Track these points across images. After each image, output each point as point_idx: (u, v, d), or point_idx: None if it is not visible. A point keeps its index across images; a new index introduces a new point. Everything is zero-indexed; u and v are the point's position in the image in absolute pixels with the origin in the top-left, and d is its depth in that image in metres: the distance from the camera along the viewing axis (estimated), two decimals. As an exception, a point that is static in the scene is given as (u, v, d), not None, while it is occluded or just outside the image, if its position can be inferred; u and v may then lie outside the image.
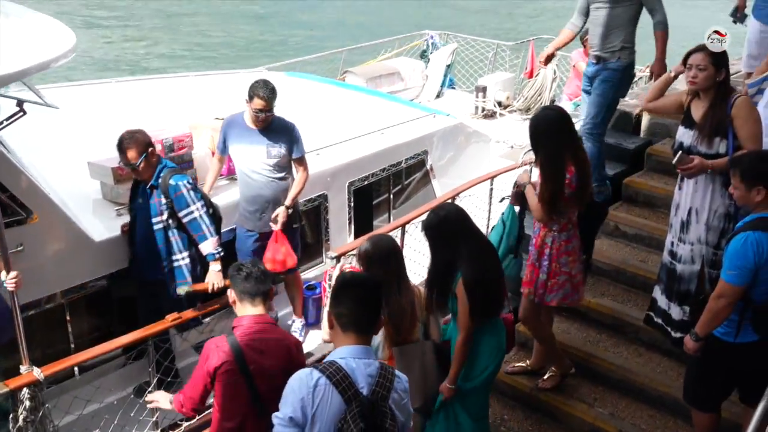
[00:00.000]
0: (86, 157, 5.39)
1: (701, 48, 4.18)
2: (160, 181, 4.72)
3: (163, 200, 4.71)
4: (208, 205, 4.87)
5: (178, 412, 3.56)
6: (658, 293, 4.64)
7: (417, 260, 6.25)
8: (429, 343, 3.99)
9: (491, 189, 7.10)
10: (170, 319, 4.45)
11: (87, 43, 19.50)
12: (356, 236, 6.65)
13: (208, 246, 4.75)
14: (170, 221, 4.75)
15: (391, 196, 7.12)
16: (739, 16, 6.88)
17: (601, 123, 5.83)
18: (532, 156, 7.53)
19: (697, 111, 4.26)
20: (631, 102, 7.19)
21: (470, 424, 4.02)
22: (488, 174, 7.08)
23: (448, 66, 11.73)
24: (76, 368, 4.62)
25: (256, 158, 5.34)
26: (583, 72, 6.04)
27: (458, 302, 3.82)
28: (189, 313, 4.64)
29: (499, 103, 10.82)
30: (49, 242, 4.61)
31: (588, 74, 5.89)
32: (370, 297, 2.80)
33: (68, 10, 22.87)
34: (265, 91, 5.12)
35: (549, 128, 4.19)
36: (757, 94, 4.89)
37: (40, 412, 3.85)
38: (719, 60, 4.12)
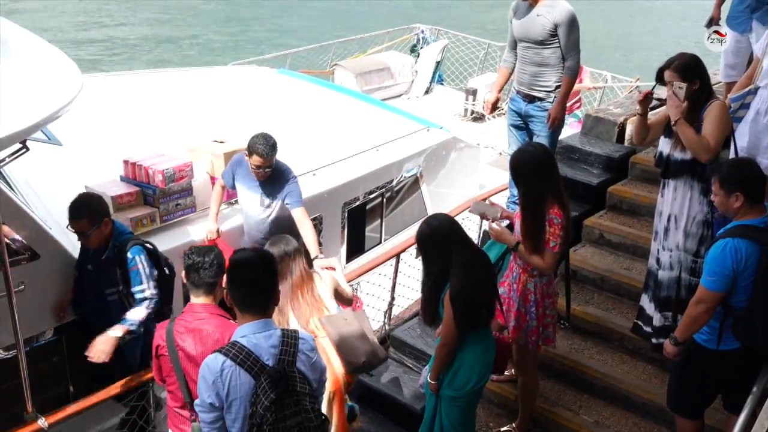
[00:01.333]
0: (83, 177, 5.33)
1: (669, 64, 4.21)
2: (115, 252, 4.46)
3: (118, 272, 4.46)
4: (162, 266, 4.62)
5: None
6: (645, 301, 4.69)
7: (411, 285, 6.34)
8: (349, 312, 4.33)
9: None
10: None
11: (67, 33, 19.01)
12: (348, 255, 6.71)
13: (134, 316, 4.34)
14: (125, 290, 4.49)
15: (384, 215, 7.15)
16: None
17: None
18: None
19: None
20: (615, 111, 7.23)
21: (451, 429, 4.11)
22: (481, 196, 7.14)
23: (438, 62, 11.70)
24: None
25: (251, 203, 5.38)
26: (509, 106, 5.97)
27: (444, 311, 3.88)
28: None
29: (489, 106, 10.83)
30: (51, 280, 4.58)
31: (518, 110, 5.81)
32: (261, 278, 2.90)
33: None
34: (264, 149, 5.04)
35: (529, 165, 4.09)
36: (741, 109, 4.91)
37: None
38: (688, 73, 4.13)
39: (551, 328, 4.43)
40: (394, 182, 7.14)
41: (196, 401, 2.89)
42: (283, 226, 5.35)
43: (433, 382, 4.05)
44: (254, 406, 2.76)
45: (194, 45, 20.64)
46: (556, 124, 5.58)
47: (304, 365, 2.89)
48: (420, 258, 4.07)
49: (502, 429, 4.82)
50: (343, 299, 4.53)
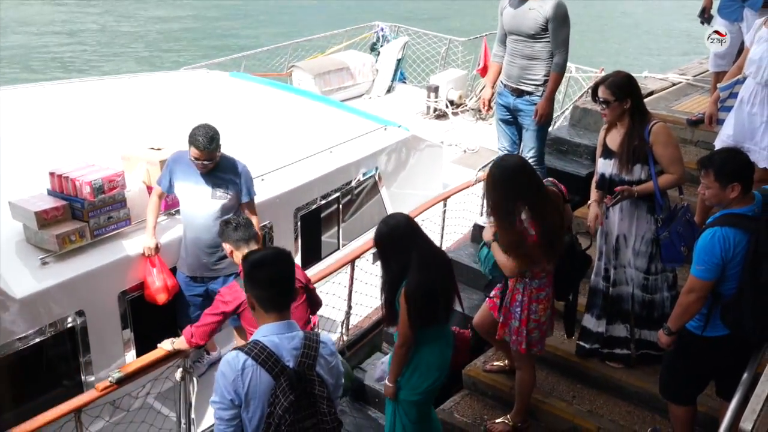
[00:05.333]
0: (7, 193, 4.94)
1: (602, 82, 4.25)
2: None
3: None
4: None
5: (187, 344, 4.23)
6: (590, 321, 4.76)
7: (366, 292, 6.02)
8: None
9: (444, 211, 6.88)
10: (100, 388, 4.11)
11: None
12: (303, 264, 6.36)
13: None
14: None
15: (341, 219, 6.81)
16: (706, 16, 6.93)
17: (543, 153, 5.88)
18: (484, 174, 7.41)
19: (614, 140, 4.33)
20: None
21: (410, 426, 4.19)
22: (440, 196, 6.85)
23: (399, 60, 11.44)
24: None
25: (199, 199, 5.01)
26: (497, 101, 5.87)
27: (400, 309, 3.90)
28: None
29: (452, 102, 10.57)
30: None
31: (506, 105, 5.72)
32: (283, 274, 2.91)
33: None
34: (203, 141, 4.78)
35: (501, 177, 3.99)
36: (729, 98, 4.91)
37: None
38: (620, 92, 4.17)
39: (536, 333, 4.31)
40: (351, 184, 6.82)
41: (214, 398, 2.85)
42: None
43: (390, 385, 4.11)
44: (272, 406, 2.78)
45: (154, 51, 20.11)
46: (544, 120, 5.55)
47: (323, 369, 2.90)
48: (378, 262, 4.09)
49: (497, 421, 4.78)
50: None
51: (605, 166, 4.40)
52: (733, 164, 3.58)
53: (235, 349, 2.87)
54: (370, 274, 5.92)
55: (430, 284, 3.85)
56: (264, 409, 2.80)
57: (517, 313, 4.27)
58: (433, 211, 6.78)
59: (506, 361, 5.05)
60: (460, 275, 5.87)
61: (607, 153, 4.37)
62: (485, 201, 4.20)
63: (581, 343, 4.84)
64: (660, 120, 4.29)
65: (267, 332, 2.86)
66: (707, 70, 6.85)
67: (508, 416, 4.74)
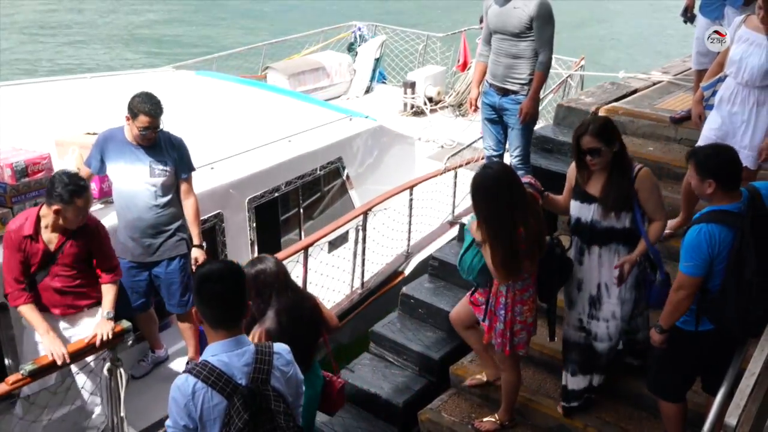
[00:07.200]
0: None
1: (585, 131, 3.92)
2: None
3: None
4: None
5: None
6: (569, 380, 4.45)
7: (322, 284, 5.66)
8: None
9: (411, 200, 6.54)
10: (10, 381, 3.76)
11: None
12: (260, 258, 6.01)
13: None
14: None
15: (302, 211, 6.47)
16: (689, 15, 6.78)
17: (529, 153, 5.74)
18: (455, 161, 7.08)
19: (595, 186, 4.04)
20: (587, 100, 7.13)
21: None
22: (406, 184, 6.51)
23: (377, 59, 11.17)
24: None
25: (137, 178, 4.70)
26: (482, 100, 5.67)
27: None
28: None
29: (430, 99, 10.27)
30: None
31: (491, 104, 5.57)
32: (232, 290, 2.75)
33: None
34: (150, 107, 4.53)
35: (488, 189, 3.80)
36: (712, 96, 4.81)
37: None
38: (609, 137, 3.91)
39: (523, 335, 4.18)
40: (312, 175, 6.47)
41: (169, 422, 2.74)
42: (178, 204, 4.88)
43: None
44: (227, 426, 2.68)
45: (122, 51, 19.80)
46: (528, 119, 5.43)
47: (278, 382, 2.80)
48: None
49: (484, 419, 4.65)
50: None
51: (583, 211, 4.09)
52: (713, 161, 3.58)
53: (184, 372, 2.74)
54: (326, 264, 5.57)
55: (291, 330, 3.63)
56: (221, 431, 2.70)
57: (501, 316, 4.11)
58: (400, 200, 6.46)
59: (485, 375, 4.87)
60: (449, 276, 5.73)
61: (584, 197, 4.07)
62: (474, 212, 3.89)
63: (565, 404, 4.51)
64: (643, 165, 4.06)
65: (216, 351, 2.74)
66: (690, 68, 6.74)
67: (495, 415, 4.60)
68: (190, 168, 4.88)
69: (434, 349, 5.41)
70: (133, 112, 4.58)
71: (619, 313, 4.15)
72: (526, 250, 3.84)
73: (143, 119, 4.55)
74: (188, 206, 4.89)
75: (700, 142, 4.76)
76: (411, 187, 6.50)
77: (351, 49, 11.51)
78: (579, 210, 4.11)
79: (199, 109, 6.95)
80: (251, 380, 2.72)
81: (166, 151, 4.76)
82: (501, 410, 4.56)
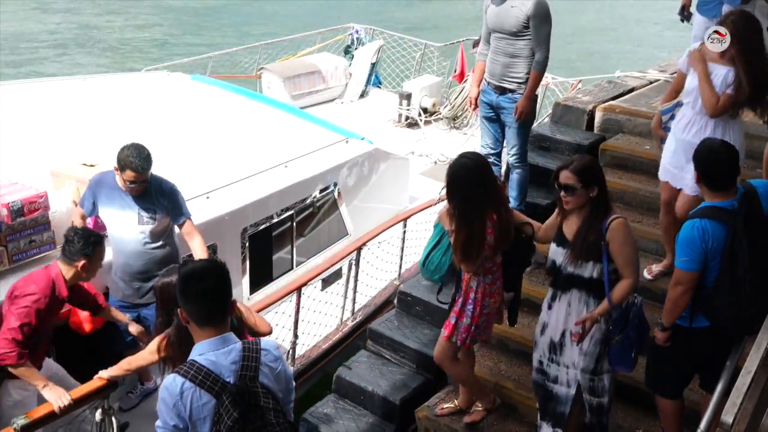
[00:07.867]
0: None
1: (567, 166, 3.83)
2: None
3: None
4: None
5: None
6: (540, 422, 4.33)
7: (315, 321, 5.69)
8: None
9: (404, 232, 6.55)
10: None
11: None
12: (252, 288, 6.01)
13: None
14: None
15: (294, 236, 6.46)
16: (686, 14, 6.90)
17: (526, 151, 5.85)
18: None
19: (570, 228, 3.93)
20: (584, 99, 7.23)
21: None
22: (399, 216, 6.51)
23: (374, 64, 11.08)
24: None
25: (126, 225, 4.68)
26: (480, 98, 5.78)
27: None
28: None
29: (425, 110, 10.23)
30: None
31: (489, 102, 5.70)
32: (216, 287, 2.76)
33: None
34: (138, 162, 4.47)
35: (466, 179, 3.88)
36: (671, 120, 4.80)
37: None
38: (588, 178, 3.78)
39: (485, 325, 4.28)
40: (307, 202, 6.46)
41: (159, 423, 2.76)
42: (170, 248, 4.83)
43: None
44: (217, 425, 2.70)
45: (116, 51, 19.50)
46: (524, 117, 5.54)
47: (267, 378, 2.80)
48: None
49: (444, 406, 4.81)
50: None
51: (557, 254, 3.99)
52: (703, 162, 3.69)
53: (173, 372, 2.78)
54: (318, 302, 5.59)
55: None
56: (212, 428, 2.71)
57: (469, 311, 4.16)
58: (394, 232, 6.47)
59: (455, 402, 4.84)
60: (415, 306, 5.68)
61: (561, 240, 3.96)
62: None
63: None
64: (620, 216, 3.87)
65: (203, 350, 2.76)
66: (676, 71, 6.58)
67: (478, 404, 4.71)
68: (185, 214, 4.82)
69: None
70: (121, 165, 4.53)
71: (579, 363, 4.00)
72: (496, 238, 3.91)
73: (130, 174, 4.52)
74: (195, 247, 4.83)
75: (660, 168, 4.84)
76: (405, 219, 6.51)
77: (347, 51, 11.41)
78: (554, 253, 4.03)
79: (194, 125, 6.87)
80: (239, 378, 2.74)
81: (156, 198, 4.71)
82: (461, 397, 4.75)
